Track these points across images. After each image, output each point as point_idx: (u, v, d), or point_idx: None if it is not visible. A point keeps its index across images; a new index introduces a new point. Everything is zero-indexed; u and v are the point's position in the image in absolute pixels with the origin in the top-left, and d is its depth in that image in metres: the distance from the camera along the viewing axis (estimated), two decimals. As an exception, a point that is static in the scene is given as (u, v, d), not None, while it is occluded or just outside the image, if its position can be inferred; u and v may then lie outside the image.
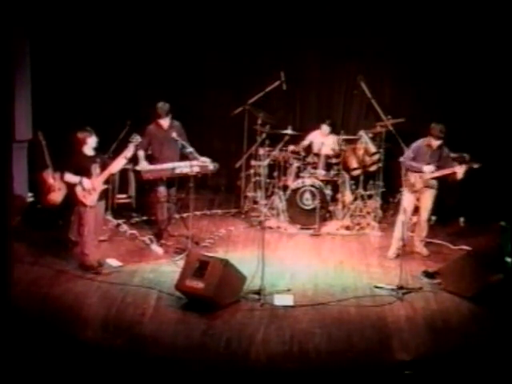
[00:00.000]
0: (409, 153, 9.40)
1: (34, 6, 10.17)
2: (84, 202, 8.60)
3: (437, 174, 9.22)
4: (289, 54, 11.67)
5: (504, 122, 10.75)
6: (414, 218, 9.63)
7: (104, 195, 8.89)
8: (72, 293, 8.19)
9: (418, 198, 9.37)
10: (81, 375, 6.50)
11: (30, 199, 10.46)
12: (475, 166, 9.14)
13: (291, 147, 10.92)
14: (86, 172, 8.63)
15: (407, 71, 11.55)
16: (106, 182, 8.87)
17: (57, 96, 11.21)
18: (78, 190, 8.59)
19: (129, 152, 8.74)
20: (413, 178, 9.26)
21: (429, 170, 9.21)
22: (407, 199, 9.33)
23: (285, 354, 7.03)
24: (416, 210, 9.50)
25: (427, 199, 9.37)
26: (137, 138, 8.80)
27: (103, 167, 8.70)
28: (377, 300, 8.20)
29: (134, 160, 9.57)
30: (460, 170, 9.13)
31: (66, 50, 11.23)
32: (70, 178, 8.67)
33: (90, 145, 8.65)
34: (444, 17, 11.06)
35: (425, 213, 9.43)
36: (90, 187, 8.58)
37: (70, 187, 8.81)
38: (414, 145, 9.42)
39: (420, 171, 9.24)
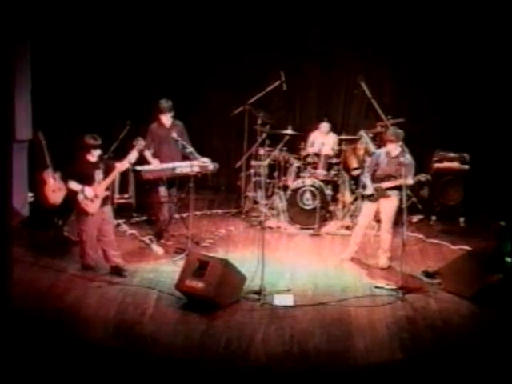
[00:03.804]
0: (370, 161, 9.30)
1: (34, 6, 10.17)
2: (86, 210, 8.51)
3: (389, 184, 8.92)
4: (289, 54, 11.68)
5: (504, 122, 10.75)
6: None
7: (108, 200, 8.74)
8: (72, 293, 8.19)
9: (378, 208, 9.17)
10: (81, 375, 6.50)
11: (30, 199, 10.45)
12: (423, 178, 8.96)
13: (305, 151, 10.86)
14: (88, 178, 8.52)
15: (407, 71, 11.56)
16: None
17: (57, 96, 11.21)
18: (80, 197, 8.50)
19: (133, 156, 8.70)
20: (371, 188, 9.08)
21: (371, 188, 8.99)
22: (366, 206, 9.20)
23: (285, 354, 7.03)
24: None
25: (386, 209, 9.06)
26: (140, 143, 8.78)
27: (107, 172, 8.60)
28: (377, 300, 8.20)
29: (140, 161, 9.58)
30: (410, 182, 8.83)
31: (66, 50, 11.25)
32: (73, 185, 8.56)
33: (93, 154, 8.54)
34: (444, 17, 11.08)
35: (385, 223, 9.11)
36: (92, 195, 8.49)
37: (73, 194, 8.66)
38: (376, 153, 9.35)
39: (364, 186, 9.20)
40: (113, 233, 8.85)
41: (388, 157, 9.03)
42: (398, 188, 8.88)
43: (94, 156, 8.56)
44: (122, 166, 8.71)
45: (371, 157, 9.48)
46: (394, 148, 8.96)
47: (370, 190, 9.05)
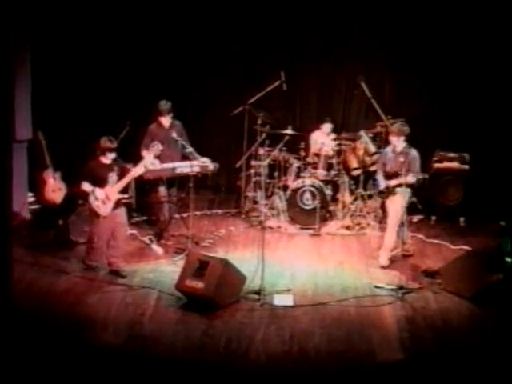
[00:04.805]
0: (379, 160, 9.34)
1: (34, 5, 10.17)
2: (97, 212, 8.48)
3: (393, 182, 8.93)
4: (289, 53, 11.68)
5: (504, 122, 10.76)
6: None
7: (122, 203, 8.66)
8: (72, 293, 8.19)
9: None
10: (81, 375, 6.50)
11: (30, 199, 10.45)
12: (420, 176, 8.90)
13: (311, 149, 10.88)
14: (101, 180, 8.48)
15: (407, 71, 11.56)
16: (125, 190, 8.64)
17: (57, 96, 11.21)
18: (91, 199, 8.47)
19: (149, 161, 8.68)
20: (383, 184, 9.11)
21: (383, 185, 9.06)
22: (388, 205, 9.19)
23: (285, 353, 7.02)
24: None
25: (393, 207, 9.03)
26: (158, 147, 8.77)
27: (121, 176, 8.55)
28: (377, 300, 8.20)
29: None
30: (410, 180, 8.76)
31: (66, 50, 11.25)
32: (85, 186, 8.51)
33: (108, 156, 8.51)
34: (444, 17, 11.08)
35: (391, 222, 9.06)
36: (103, 197, 8.45)
37: (84, 195, 8.64)
38: (383, 151, 9.37)
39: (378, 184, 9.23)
40: (125, 237, 8.87)
41: (394, 154, 9.05)
42: (399, 186, 8.89)
43: (108, 158, 8.51)
44: (137, 170, 8.66)
45: (380, 155, 9.49)
46: (397, 142, 8.98)
47: (382, 186, 9.07)
